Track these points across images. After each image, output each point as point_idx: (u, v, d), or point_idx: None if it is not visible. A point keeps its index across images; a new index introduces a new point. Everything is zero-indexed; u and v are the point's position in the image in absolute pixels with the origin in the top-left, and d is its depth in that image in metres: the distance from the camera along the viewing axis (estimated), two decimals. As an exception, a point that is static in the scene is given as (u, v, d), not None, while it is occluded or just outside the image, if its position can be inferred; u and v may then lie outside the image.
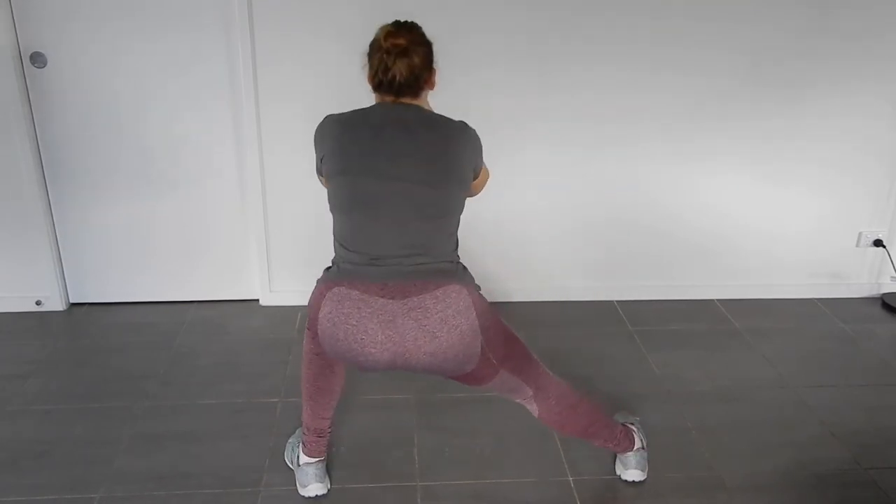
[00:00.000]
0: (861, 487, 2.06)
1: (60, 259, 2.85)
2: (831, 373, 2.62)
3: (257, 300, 3.00)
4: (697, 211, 2.98)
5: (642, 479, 2.04)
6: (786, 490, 2.04)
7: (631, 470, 2.03)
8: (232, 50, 2.59)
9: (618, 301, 3.09)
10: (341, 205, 1.68)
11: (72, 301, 2.94)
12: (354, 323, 1.61)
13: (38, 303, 2.88)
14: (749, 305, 3.08)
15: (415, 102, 1.73)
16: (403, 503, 1.96)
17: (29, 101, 2.61)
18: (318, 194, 2.80)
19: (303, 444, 1.96)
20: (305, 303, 2.97)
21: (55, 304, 2.88)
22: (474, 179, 1.76)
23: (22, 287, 2.85)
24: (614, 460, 2.10)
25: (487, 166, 1.97)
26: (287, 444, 2.10)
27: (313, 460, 1.95)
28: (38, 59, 2.55)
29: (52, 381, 2.45)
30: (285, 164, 2.75)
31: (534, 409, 1.86)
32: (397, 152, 1.63)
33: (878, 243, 3.10)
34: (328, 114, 1.76)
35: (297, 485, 1.97)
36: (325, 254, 2.91)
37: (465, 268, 1.74)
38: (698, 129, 2.83)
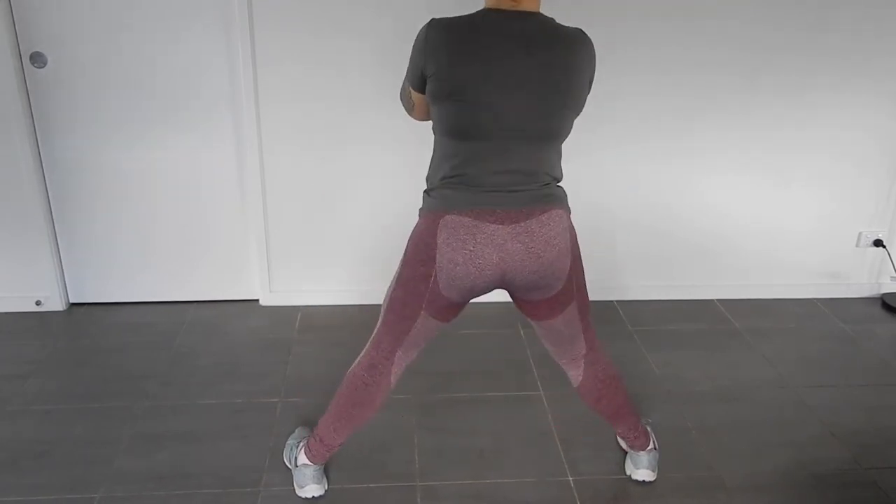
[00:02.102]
0: (861, 487, 2.06)
1: (60, 259, 2.85)
2: (831, 373, 2.62)
3: (257, 300, 3.00)
4: (697, 211, 2.98)
5: (652, 479, 2.04)
6: (786, 490, 2.04)
7: (642, 469, 2.03)
8: (232, 49, 2.59)
9: (618, 301, 3.09)
10: (451, 130, 1.64)
11: (72, 301, 2.94)
12: (471, 248, 1.64)
13: (37, 303, 2.87)
14: (749, 305, 3.08)
15: (534, 8, 1.62)
16: (403, 503, 1.96)
17: (29, 101, 2.61)
18: (318, 194, 2.80)
19: (307, 447, 1.95)
20: (305, 302, 2.97)
21: (55, 304, 2.88)
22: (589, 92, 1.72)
23: (22, 287, 2.85)
24: (623, 459, 2.11)
25: None
26: (286, 444, 2.10)
27: (312, 464, 1.95)
28: (37, 59, 2.55)
29: (52, 381, 2.45)
30: (285, 164, 2.75)
31: (579, 373, 1.89)
32: (517, 74, 1.57)
33: (878, 243, 3.10)
34: (432, 18, 1.62)
35: (295, 485, 1.97)
36: (325, 253, 2.91)
37: (564, 192, 1.76)
38: (698, 129, 2.84)
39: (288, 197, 2.81)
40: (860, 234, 3.09)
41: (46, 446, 2.13)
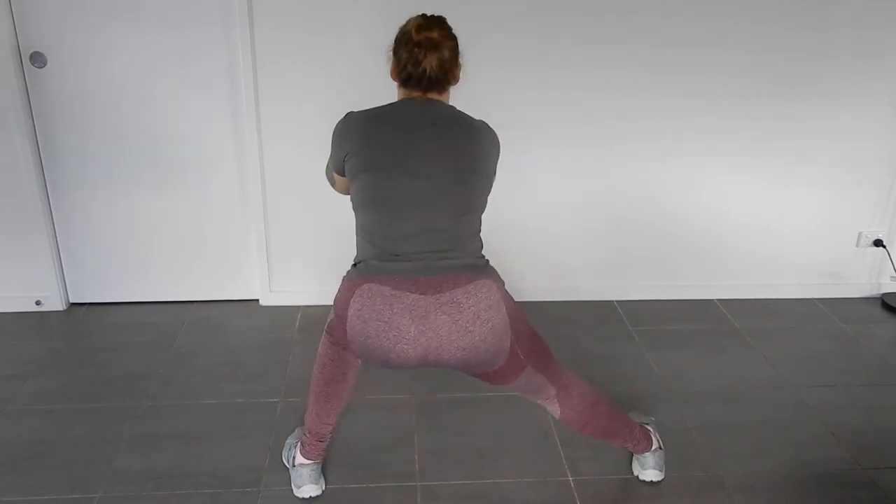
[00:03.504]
0: (861, 487, 2.06)
1: (60, 259, 2.85)
2: (831, 373, 2.62)
3: (257, 300, 3.00)
4: (697, 211, 2.98)
5: (660, 479, 2.04)
6: (785, 490, 2.04)
7: (649, 470, 2.03)
8: (232, 48, 2.59)
9: (618, 301, 3.09)
10: (368, 202, 1.65)
11: (71, 301, 2.94)
12: (387, 319, 1.59)
13: (37, 303, 2.88)
14: (749, 305, 3.08)
15: (441, 98, 1.72)
16: (403, 503, 1.96)
17: (29, 100, 2.61)
18: (317, 194, 2.80)
19: (301, 444, 1.96)
20: (305, 302, 2.97)
21: (55, 303, 2.88)
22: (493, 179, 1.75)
23: (21, 287, 2.85)
24: (630, 461, 2.11)
25: None
26: (285, 444, 2.10)
27: (309, 462, 1.95)
28: (37, 59, 2.55)
29: (52, 380, 2.45)
30: (285, 164, 2.75)
31: (556, 409, 1.86)
32: (428, 150, 1.63)
33: (878, 243, 3.10)
34: (349, 111, 1.73)
35: (292, 485, 1.97)
36: (325, 253, 2.91)
37: (491, 265, 1.74)
38: (698, 130, 2.83)
39: (288, 196, 2.81)
40: (860, 234, 3.09)
41: (46, 446, 2.13)
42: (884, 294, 3.18)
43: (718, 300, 3.12)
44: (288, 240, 2.88)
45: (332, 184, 1.89)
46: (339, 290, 1.70)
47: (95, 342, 2.69)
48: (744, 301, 3.11)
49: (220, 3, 2.53)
